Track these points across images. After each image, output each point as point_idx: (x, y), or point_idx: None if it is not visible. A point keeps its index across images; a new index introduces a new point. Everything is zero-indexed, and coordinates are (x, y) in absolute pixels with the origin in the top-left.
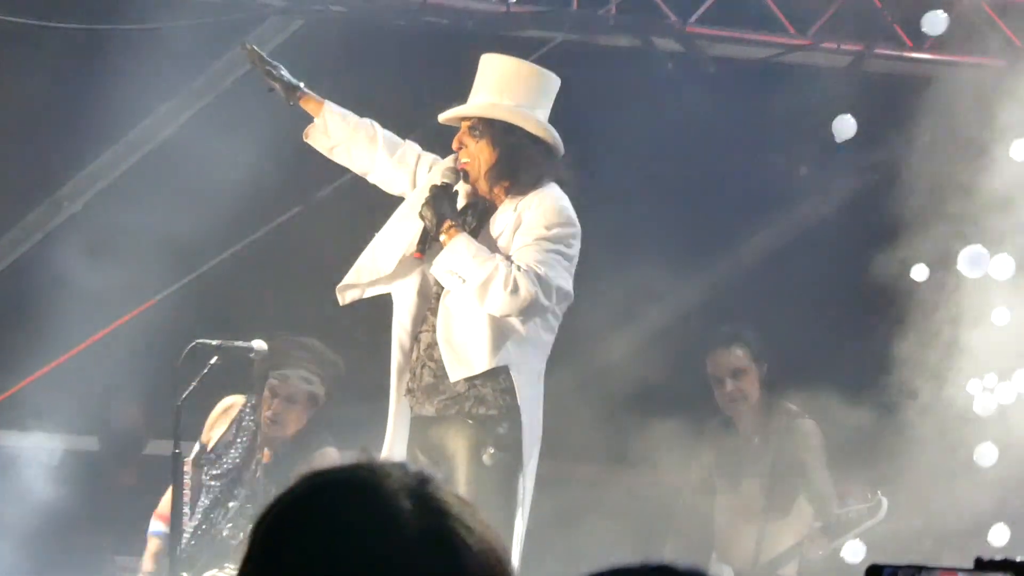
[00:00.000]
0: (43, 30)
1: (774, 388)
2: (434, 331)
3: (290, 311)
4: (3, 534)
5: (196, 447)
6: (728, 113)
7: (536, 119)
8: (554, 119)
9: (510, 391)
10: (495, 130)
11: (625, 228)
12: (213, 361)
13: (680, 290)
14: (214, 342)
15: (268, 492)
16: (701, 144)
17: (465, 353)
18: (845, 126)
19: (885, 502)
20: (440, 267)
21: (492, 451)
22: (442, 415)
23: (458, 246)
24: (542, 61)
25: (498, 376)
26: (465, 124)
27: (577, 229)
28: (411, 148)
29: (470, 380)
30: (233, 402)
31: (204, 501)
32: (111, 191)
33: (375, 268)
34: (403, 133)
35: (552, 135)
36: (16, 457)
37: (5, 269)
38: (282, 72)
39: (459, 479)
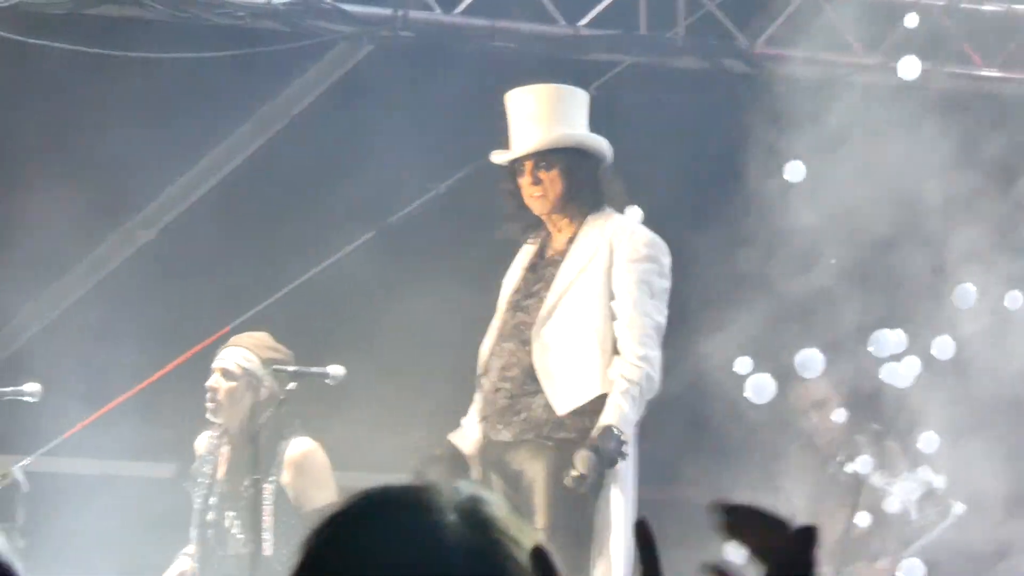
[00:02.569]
0: (115, 59)
1: (857, 408)
2: (509, 355)
3: (365, 337)
4: (83, 561)
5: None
6: (796, 133)
7: (593, 136)
8: (623, 141)
9: (587, 414)
10: (563, 158)
11: (694, 251)
12: (290, 387)
13: (752, 312)
14: (290, 368)
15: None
16: (769, 165)
17: (569, 384)
18: None
19: (957, 506)
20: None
21: (575, 473)
22: (519, 439)
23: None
24: (610, 84)
25: None
26: (531, 162)
27: (668, 259)
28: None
29: (547, 404)
30: (202, 438)
31: (192, 531)
32: (184, 219)
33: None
34: (470, 157)
35: (607, 147)
36: (95, 485)
37: (80, 298)
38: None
39: (539, 503)
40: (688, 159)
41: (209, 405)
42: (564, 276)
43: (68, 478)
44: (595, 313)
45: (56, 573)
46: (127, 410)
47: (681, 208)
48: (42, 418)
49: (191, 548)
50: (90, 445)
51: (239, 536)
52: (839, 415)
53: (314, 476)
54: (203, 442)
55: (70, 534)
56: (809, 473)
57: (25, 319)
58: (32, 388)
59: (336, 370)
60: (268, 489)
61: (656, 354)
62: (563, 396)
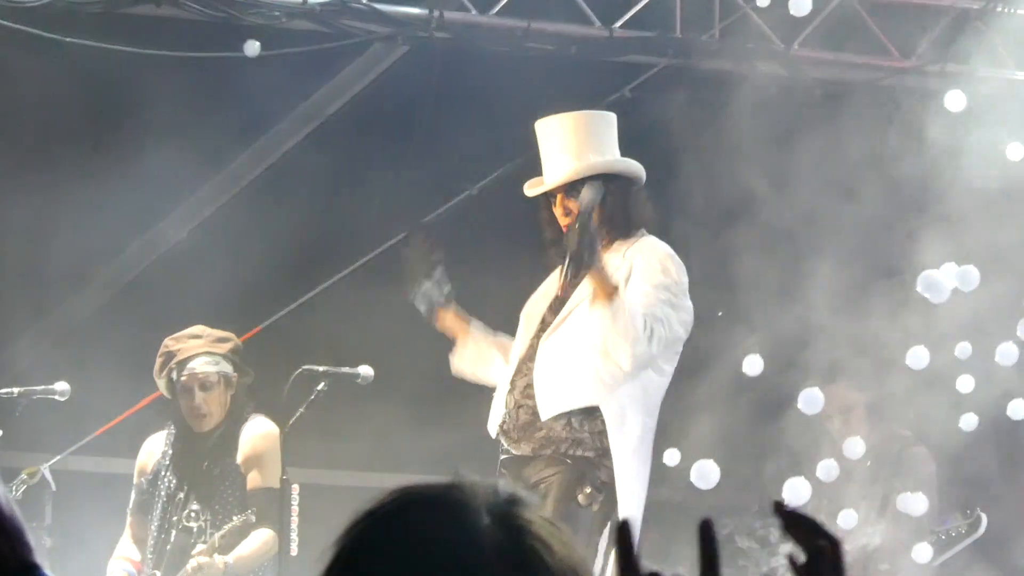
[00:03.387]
0: (150, 58)
1: (885, 415)
2: (531, 374)
3: (397, 337)
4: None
5: (132, 495)
6: (833, 136)
7: (624, 160)
8: (658, 143)
9: (605, 434)
10: (593, 185)
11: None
12: (320, 387)
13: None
14: (321, 368)
15: (203, 479)
16: (804, 167)
17: (557, 391)
18: None
19: (985, 518)
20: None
21: (589, 490)
22: (538, 454)
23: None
24: (645, 86)
25: (596, 419)
26: (559, 194)
27: (686, 278)
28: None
29: (567, 423)
30: (155, 439)
31: (152, 526)
32: (216, 219)
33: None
34: (506, 158)
35: (639, 170)
36: (122, 485)
37: (112, 297)
38: (441, 284)
39: (552, 517)
40: (724, 162)
41: (200, 421)
42: (579, 293)
43: (96, 477)
44: (599, 326)
45: (83, 572)
46: (156, 410)
47: (715, 212)
48: (71, 417)
49: (130, 549)
50: (119, 444)
51: (192, 515)
52: (864, 421)
53: (267, 456)
54: (150, 445)
55: (98, 533)
56: (839, 481)
57: (57, 318)
58: (62, 387)
59: (366, 371)
60: (296, 489)
61: (646, 349)
62: (549, 401)
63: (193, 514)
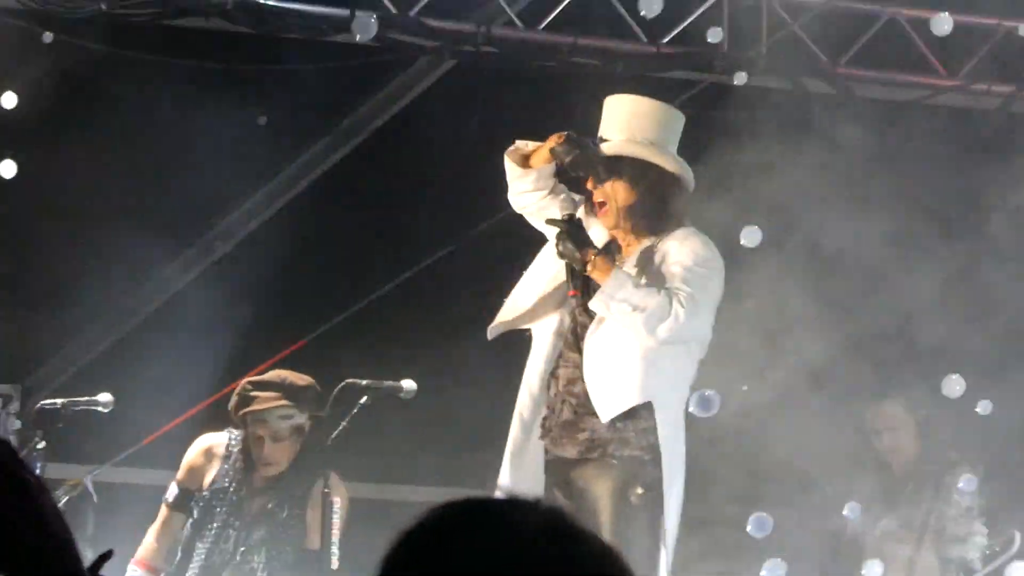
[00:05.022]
0: (197, 70)
1: (934, 436)
2: (575, 367)
3: (440, 351)
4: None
5: (173, 489)
6: (880, 154)
7: (672, 156)
8: (704, 158)
9: (652, 430)
10: (632, 170)
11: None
12: (363, 401)
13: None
14: (364, 382)
15: (268, 519)
16: (846, 186)
17: (614, 391)
18: None
19: (1019, 537)
20: (604, 299)
21: (640, 491)
22: (584, 457)
23: (621, 277)
24: (692, 102)
25: (639, 416)
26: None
27: (722, 266)
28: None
29: (612, 423)
30: (214, 442)
31: (200, 546)
32: (262, 232)
33: (517, 306)
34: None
35: (687, 171)
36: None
37: (157, 309)
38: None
39: (605, 520)
40: (767, 177)
41: (266, 469)
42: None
43: (139, 489)
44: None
45: None
46: (199, 422)
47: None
48: (114, 429)
49: (140, 573)
50: (162, 456)
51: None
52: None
53: (343, 515)
54: (209, 450)
55: (139, 545)
56: (883, 501)
57: (100, 329)
58: (105, 398)
59: (409, 385)
60: (338, 503)
61: (705, 318)
62: (607, 402)
63: (250, 553)
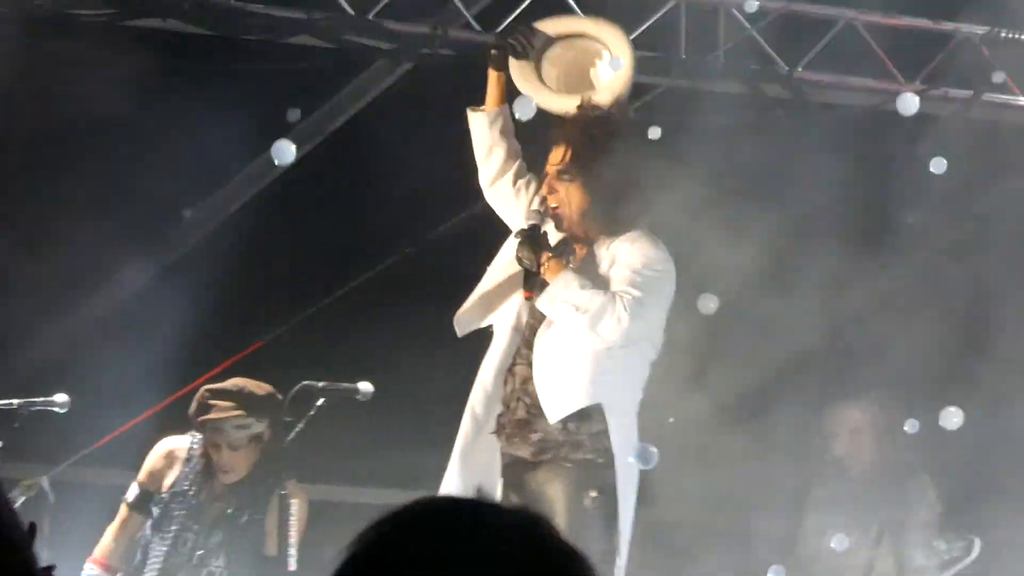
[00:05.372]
0: (152, 72)
1: (895, 440)
2: (529, 365)
3: (397, 353)
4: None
5: (134, 489)
6: (836, 160)
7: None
8: (660, 162)
9: (605, 433)
10: (586, 174)
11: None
12: (319, 403)
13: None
14: (320, 384)
15: (226, 524)
16: (805, 190)
17: (561, 391)
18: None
19: (978, 542)
20: (549, 299)
21: (594, 495)
22: (539, 459)
23: (567, 278)
24: (649, 106)
25: (591, 419)
26: (554, 169)
27: (672, 268)
28: (531, 183)
29: (564, 425)
30: (176, 446)
31: (159, 548)
32: (218, 233)
33: (478, 297)
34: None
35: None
36: (122, 497)
37: (113, 309)
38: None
39: (560, 524)
40: (723, 183)
41: (224, 475)
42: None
43: (96, 489)
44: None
45: None
46: (156, 423)
47: (714, 232)
48: (71, 429)
49: (96, 571)
50: (118, 457)
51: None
52: (870, 444)
53: (302, 521)
54: (170, 453)
55: (96, 546)
56: (840, 499)
57: (57, 329)
58: (61, 399)
59: (366, 387)
60: (295, 504)
61: (652, 319)
62: (554, 404)
63: (208, 556)
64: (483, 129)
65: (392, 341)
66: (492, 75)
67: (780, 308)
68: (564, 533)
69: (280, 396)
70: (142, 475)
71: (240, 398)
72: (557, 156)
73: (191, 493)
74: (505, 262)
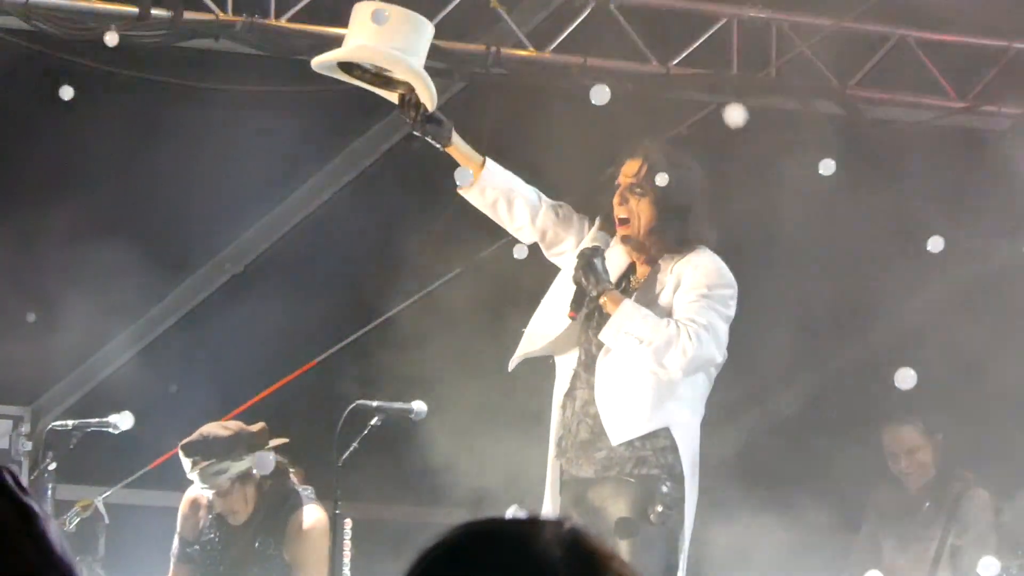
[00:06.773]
0: (206, 92)
1: (950, 456)
2: (591, 389)
3: (449, 372)
4: None
5: (175, 543)
6: (884, 176)
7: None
8: (713, 178)
9: (671, 450)
10: (658, 190)
11: (776, 291)
12: (373, 422)
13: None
14: (374, 403)
15: (255, 559)
16: (857, 206)
17: (625, 416)
18: None
19: None
20: (613, 331)
21: (660, 509)
22: (601, 476)
23: (629, 309)
24: (702, 123)
25: (658, 436)
26: (627, 181)
27: (735, 289)
28: (571, 211)
29: (630, 443)
30: (197, 493)
31: None
32: (272, 253)
33: (534, 336)
34: (562, 195)
35: (428, 84)
36: (176, 518)
37: (167, 330)
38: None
39: (623, 539)
40: (778, 198)
41: (231, 517)
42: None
43: (150, 511)
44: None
45: None
46: None
47: (763, 249)
48: (126, 450)
49: None
50: (173, 478)
51: None
52: (929, 462)
53: (318, 547)
54: (194, 502)
55: (150, 566)
56: (897, 518)
57: (112, 350)
58: (117, 419)
59: (419, 406)
60: (348, 524)
61: (717, 345)
62: (619, 428)
63: None
64: (479, 200)
65: (444, 361)
66: (451, 152)
67: (845, 324)
68: (616, 549)
69: (252, 428)
70: (178, 526)
71: (204, 446)
72: (632, 168)
73: (215, 539)
74: (556, 298)
